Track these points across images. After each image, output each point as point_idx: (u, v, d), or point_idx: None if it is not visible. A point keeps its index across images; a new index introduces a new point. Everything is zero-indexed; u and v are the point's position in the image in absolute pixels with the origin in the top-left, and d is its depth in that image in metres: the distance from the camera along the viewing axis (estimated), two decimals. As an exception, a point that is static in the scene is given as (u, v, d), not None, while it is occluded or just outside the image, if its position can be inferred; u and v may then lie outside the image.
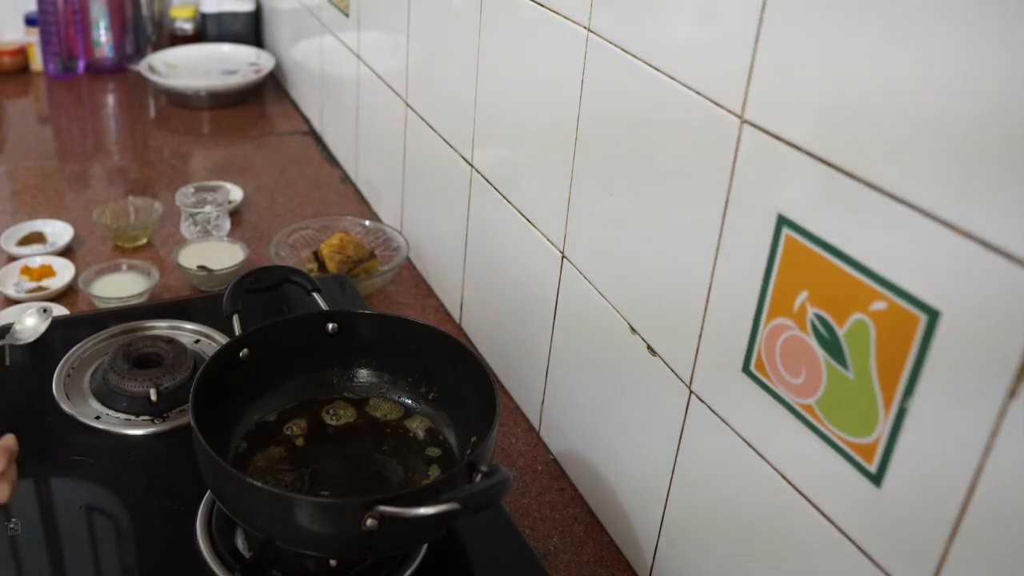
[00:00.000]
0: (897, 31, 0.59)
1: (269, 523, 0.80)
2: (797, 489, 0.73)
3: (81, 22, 2.20)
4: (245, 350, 0.94)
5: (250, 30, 2.35)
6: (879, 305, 0.62)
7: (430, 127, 1.37)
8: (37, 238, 1.51)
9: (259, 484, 0.82)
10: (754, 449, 0.77)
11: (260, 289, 1.04)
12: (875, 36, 0.61)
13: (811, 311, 0.69)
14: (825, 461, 0.69)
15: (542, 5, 1.01)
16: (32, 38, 2.22)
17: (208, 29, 2.33)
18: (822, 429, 0.69)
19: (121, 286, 1.37)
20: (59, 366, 1.10)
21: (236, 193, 1.68)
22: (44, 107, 2.15)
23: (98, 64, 2.25)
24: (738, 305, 0.76)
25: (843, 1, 0.63)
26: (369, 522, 0.74)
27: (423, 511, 0.74)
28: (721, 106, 0.75)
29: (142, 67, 2.14)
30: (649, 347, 0.91)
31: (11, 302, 1.35)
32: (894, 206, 0.60)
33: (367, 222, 1.55)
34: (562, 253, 1.05)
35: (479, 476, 0.79)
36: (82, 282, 1.36)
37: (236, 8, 2.32)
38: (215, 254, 1.44)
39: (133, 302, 1.34)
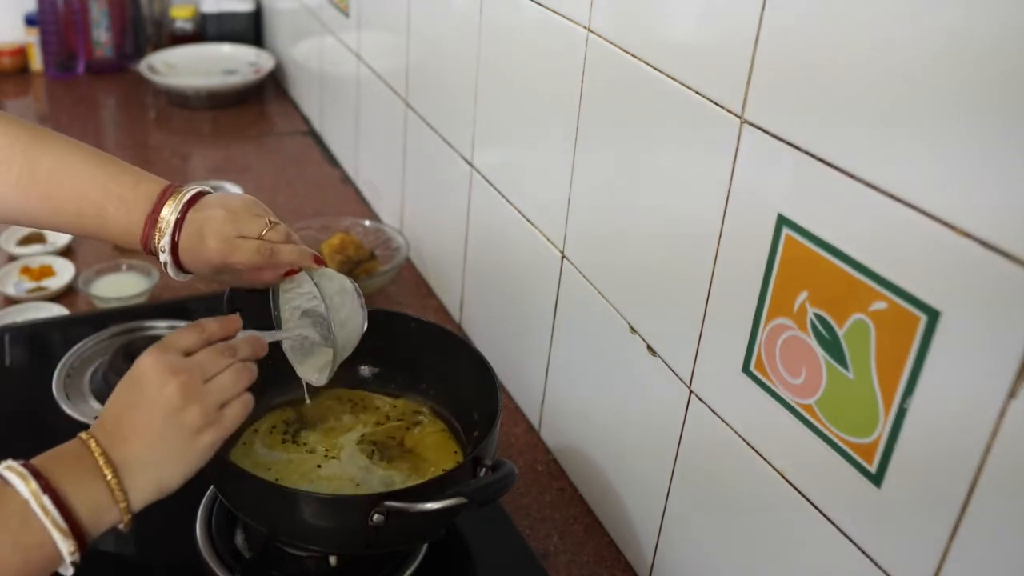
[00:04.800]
0: (897, 30, 0.59)
1: (275, 519, 0.80)
2: (797, 489, 0.73)
3: (81, 22, 2.20)
4: (246, 349, 0.94)
5: (250, 30, 2.34)
6: (879, 305, 0.62)
7: (430, 127, 1.37)
8: (37, 238, 1.51)
9: (265, 480, 0.82)
10: (754, 449, 0.77)
11: (261, 287, 1.03)
12: (875, 35, 0.61)
13: (811, 311, 0.69)
14: (825, 461, 0.69)
15: (542, 5, 1.01)
16: (32, 38, 2.22)
17: (208, 29, 2.33)
18: (822, 429, 0.69)
19: (121, 286, 1.37)
20: (59, 366, 1.10)
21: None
22: (44, 107, 2.15)
23: (98, 64, 2.25)
24: (738, 305, 0.76)
25: (843, 0, 0.63)
26: (376, 517, 0.74)
27: (430, 506, 0.74)
28: (721, 106, 0.75)
29: (142, 67, 2.14)
30: (649, 347, 0.91)
31: (11, 302, 1.35)
32: (895, 206, 0.60)
33: (367, 222, 1.54)
34: (562, 253, 1.05)
35: (484, 470, 0.80)
36: (82, 282, 1.36)
37: (236, 8, 2.32)
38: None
39: (133, 302, 1.34)
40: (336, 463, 0.90)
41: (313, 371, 0.90)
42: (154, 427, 0.70)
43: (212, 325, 0.77)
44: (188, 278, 0.89)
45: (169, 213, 0.85)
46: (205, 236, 0.85)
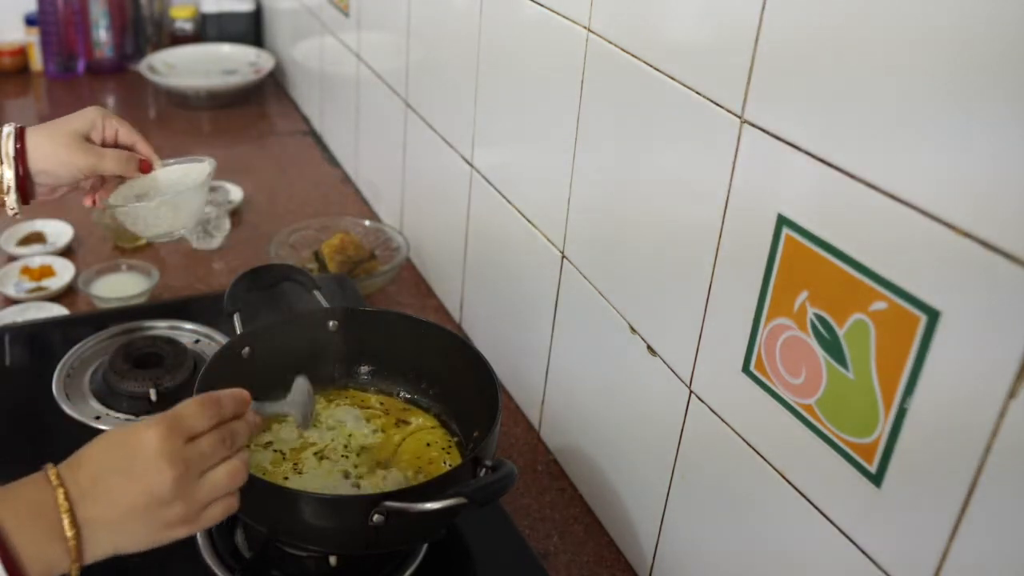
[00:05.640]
0: (896, 30, 0.59)
1: (275, 519, 0.80)
2: (797, 489, 0.73)
3: (81, 22, 2.20)
4: (247, 349, 0.94)
5: (250, 30, 2.34)
6: (879, 305, 0.62)
7: (430, 127, 1.37)
8: (37, 238, 1.51)
9: (265, 480, 0.82)
10: (754, 449, 0.77)
11: (260, 287, 1.04)
12: (875, 35, 0.61)
13: (811, 311, 0.69)
14: (825, 461, 0.69)
15: (542, 5, 1.01)
16: (32, 38, 2.22)
17: (208, 29, 2.33)
18: (822, 429, 0.69)
19: (121, 286, 1.37)
20: (59, 366, 1.10)
21: (236, 193, 1.68)
22: (44, 107, 2.15)
23: (98, 64, 2.25)
24: (738, 305, 0.76)
25: (842, 2, 0.63)
26: (376, 517, 0.74)
27: (430, 506, 0.74)
28: (721, 106, 0.75)
29: (142, 67, 2.15)
30: (649, 347, 0.91)
31: (11, 302, 1.35)
32: (894, 206, 0.60)
33: (367, 222, 1.55)
34: (562, 253, 1.05)
35: (483, 470, 0.80)
36: (82, 282, 1.36)
37: (236, 8, 2.32)
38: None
39: (133, 302, 1.34)
40: (315, 472, 0.89)
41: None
42: (132, 506, 0.66)
43: (229, 405, 0.72)
44: (21, 213, 0.96)
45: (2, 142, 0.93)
46: (73, 114, 0.96)
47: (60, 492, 0.65)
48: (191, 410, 0.69)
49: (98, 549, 0.67)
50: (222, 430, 0.70)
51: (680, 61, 0.80)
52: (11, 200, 0.94)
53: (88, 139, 0.97)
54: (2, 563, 0.61)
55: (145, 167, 1.00)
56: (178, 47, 2.28)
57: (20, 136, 0.94)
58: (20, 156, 0.93)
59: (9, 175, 0.93)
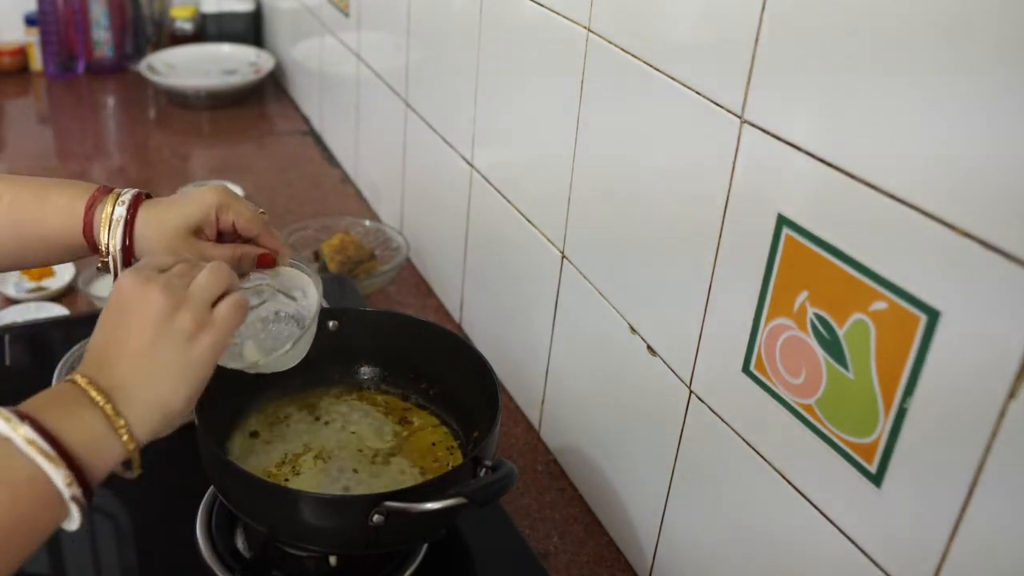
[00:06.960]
0: (897, 30, 0.59)
1: (274, 519, 0.80)
2: (797, 489, 0.73)
3: (81, 22, 2.20)
4: (246, 349, 0.94)
5: (250, 30, 2.35)
6: (879, 305, 0.62)
7: (430, 127, 1.37)
8: (37, 238, 1.51)
9: (265, 480, 0.82)
10: (754, 449, 0.77)
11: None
12: (875, 36, 0.61)
13: (811, 311, 0.69)
14: (825, 461, 0.69)
15: (542, 5, 1.01)
16: (32, 38, 2.22)
17: (208, 29, 2.33)
18: (822, 429, 0.69)
19: (121, 286, 1.37)
20: (59, 366, 1.10)
21: (236, 193, 1.68)
22: (44, 107, 2.15)
23: (98, 64, 2.25)
24: (738, 305, 0.76)
25: (842, 1, 0.63)
26: (376, 518, 0.75)
27: (430, 506, 0.74)
28: (721, 106, 0.75)
29: (142, 67, 2.15)
30: (649, 347, 0.91)
31: (11, 302, 1.35)
32: (894, 206, 0.60)
33: (367, 222, 1.55)
34: (562, 253, 1.05)
35: (483, 470, 0.80)
36: (82, 282, 1.36)
37: (236, 8, 2.32)
38: None
39: (133, 302, 1.33)
40: (314, 472, 0.89)
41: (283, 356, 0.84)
42: (145, 341, 0.65)
43: (184, 252, 0.74)
44: None
45: (115, 206, 0.83)
46: (190, 196, 0.85)
47: (78, 375, 0.64)
48: (153, 255, 0.72)
49: (144, 414, 0.64)
50: (187, 260, 0.72)
51: (680, 61, 0.80)
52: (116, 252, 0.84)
53: (199, 231, 0.85)
54: (40, 435, 0.59)
55: (265, 261, 0.87)
56: (178, 47, 2.28)
57: (135, 203, 0.84)
58: (128, 230, 0.83)
59: (115, 248, 0.83)
